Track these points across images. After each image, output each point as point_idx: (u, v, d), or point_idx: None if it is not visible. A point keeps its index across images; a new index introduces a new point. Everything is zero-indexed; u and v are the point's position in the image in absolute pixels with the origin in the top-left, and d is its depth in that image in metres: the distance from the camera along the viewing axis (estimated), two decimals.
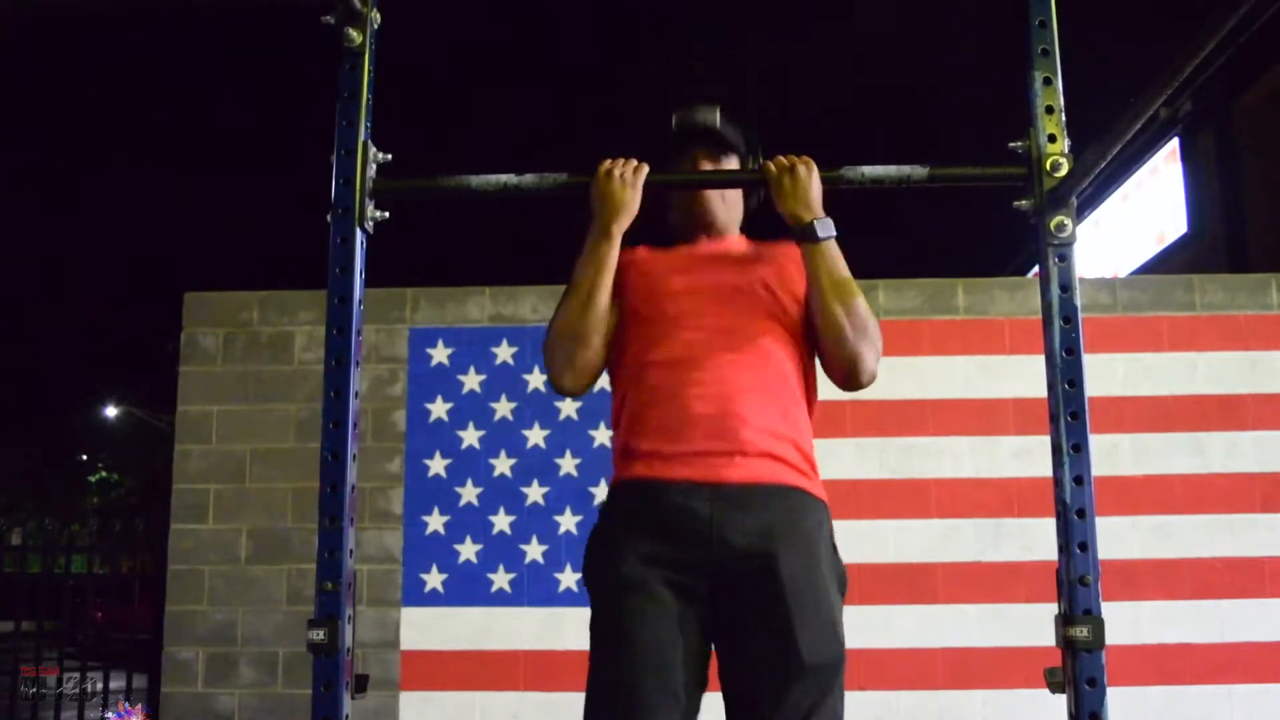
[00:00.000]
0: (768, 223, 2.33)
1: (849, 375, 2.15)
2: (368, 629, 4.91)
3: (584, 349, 2.11)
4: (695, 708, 1.99)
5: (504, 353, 5.16)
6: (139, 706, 5.08)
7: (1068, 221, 2.12)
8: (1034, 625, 4.65)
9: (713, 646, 2.04)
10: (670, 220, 2.33)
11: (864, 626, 4.88)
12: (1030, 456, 4.94)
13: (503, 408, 5.12)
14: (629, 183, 2.16)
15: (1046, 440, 2.12)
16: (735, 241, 2.30)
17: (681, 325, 2.11)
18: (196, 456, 5.15)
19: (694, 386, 2.05)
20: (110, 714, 4.75)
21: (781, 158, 2.19)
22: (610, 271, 2.14)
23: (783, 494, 2.04)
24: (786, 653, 1.94)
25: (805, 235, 2.13)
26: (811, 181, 2.15)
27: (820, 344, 2.16)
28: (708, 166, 2.26)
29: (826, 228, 2.13)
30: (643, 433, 2.07)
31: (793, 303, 2.17)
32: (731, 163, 2.29)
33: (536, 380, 5.12)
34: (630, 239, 2.21)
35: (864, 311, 2.13)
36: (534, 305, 5.20)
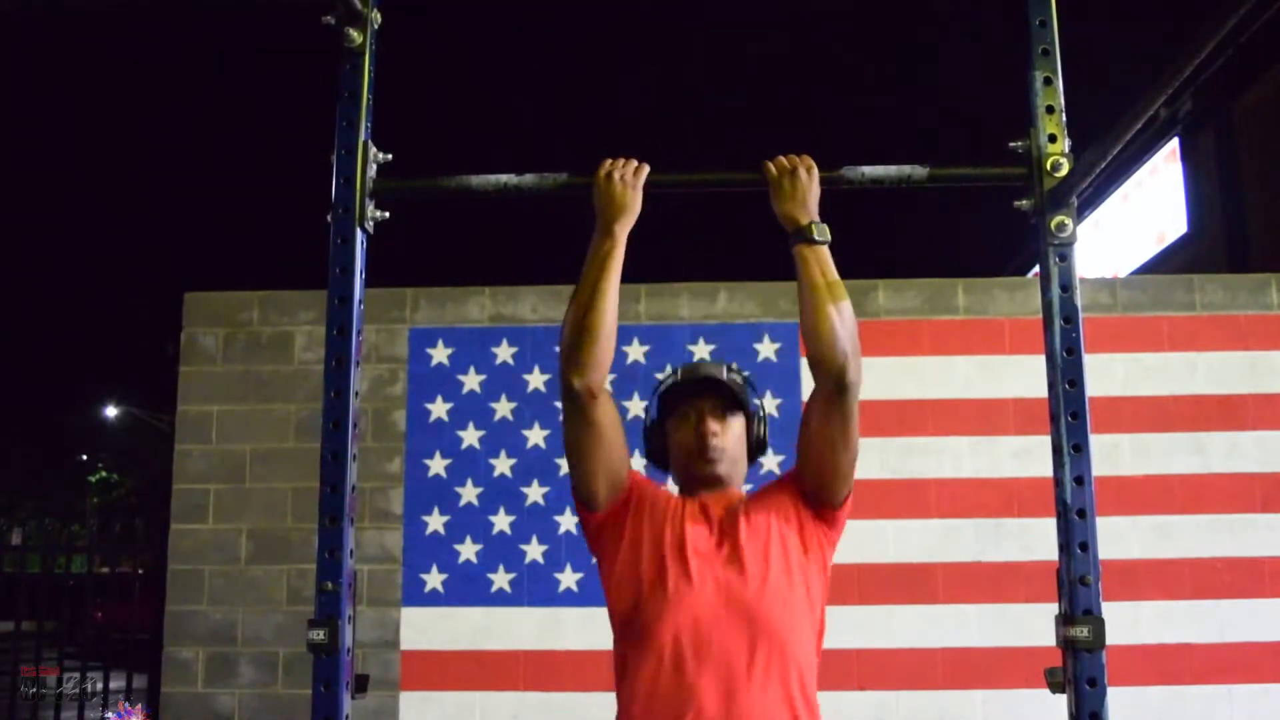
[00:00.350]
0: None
1: (837, 377, 2.10)
2: (368, 629, 4.92)
3: (593, 345, 2.08)
4: None
5: (504, 353, 5.16)
6: (139, 706, 5.08)
7: (1068, 221, 2.12)
8: (1034, 625, 4.65)
9: None
10: (673, 475, 2.31)
11: (864, 626, 4.88)
12: (1030, 456, 4.94)
13: (503, 408, 5.12)
14: (629, 183, 2.15)
15: (1047, 440, 2.12)
16: (736, 496, 2.23)
17: (687, 596, 2.06)
18: (196, 456, 5.15)
19: (705, 664, 2.01)
20: (110, 714, 4.75)
21: (783, 159, 2.18)
22: (615, 269, 2.12)
23: None
24: None
25: (802, 238, 2.12)
26: (811, 185, 2.15)
27: (812, 348, 2.12)
28: (715, 423, 2.21)
29: (823, 232, 2.12)
30: (650, 712, 2.03)
31: (801, 543, 2.15)
32: (738, 421, 2.25)
33: (536, 380, 5.12)
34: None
35: (852, 316, 2.11)
36: (534, 305, 5.20)
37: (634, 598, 2.11)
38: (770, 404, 5.05)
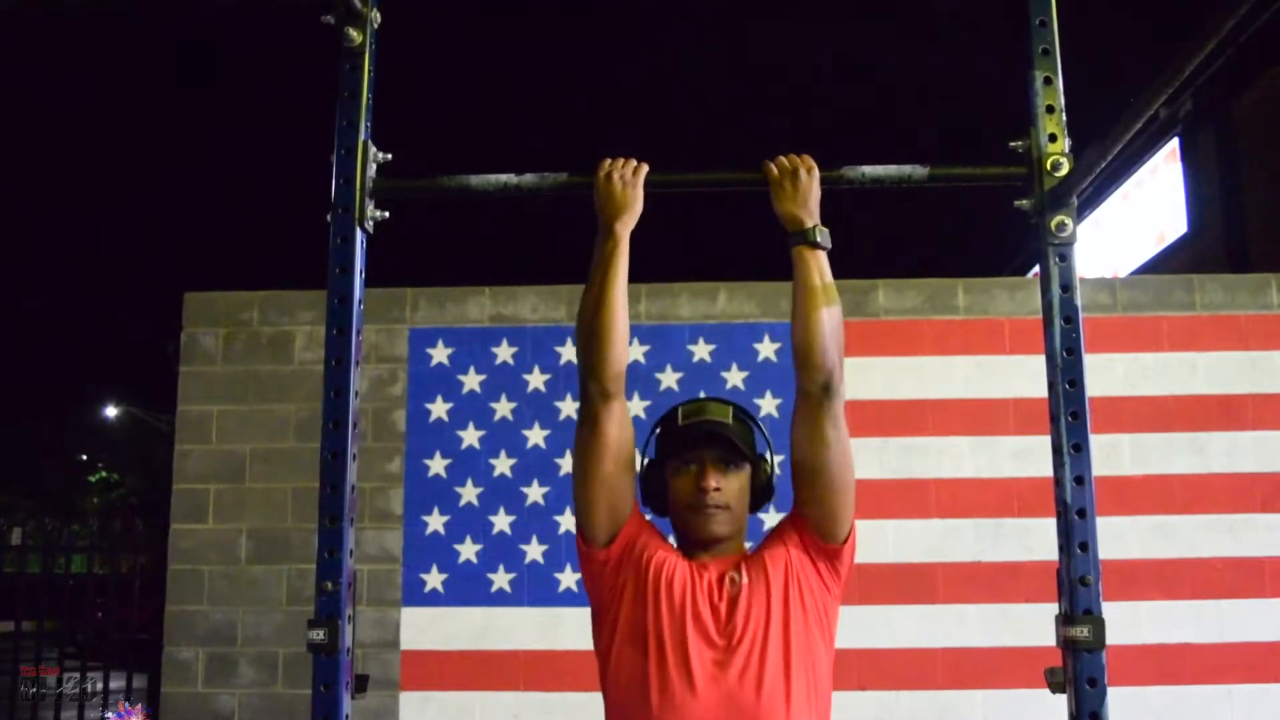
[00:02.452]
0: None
1: (826, 380, 2.07)
2: (368, 629, 4.91)
3: (602, 345, 2.08)
4: None
5: (504, 353, 5.16)
6: (139, 706, 5.07)
7: (1068, 221, 2.12)
8: (1034, 625, 4.65)
9: None
10: (672, 524, 2.22)
11: (864, 626, 4.88)
12: (1030, 456, 4.94)
13: (503, 408, 5.12)
14: (629, 182, 2.15)
15: (1047, 440, 2.12)
16: (736, 557, 2.15)
17: (688, 704, 2.00)
18: (196, 456, 5.15)
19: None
20: (110, 714, 4.75)
21: (784, 159, 2.18)
22: (620, 268, 2.11)
23: None
24: None
25: (804, 239, 2.11)
26: (812, 185, 2.14)
27: (802, 349, 2.09)
28: (716, 478, 2.12)
29: (825, 237, 2.11)
30: None
31: (800, 613, 2.07)
32: (742, 474, 2.16)
33: (536, 380, 5.12)
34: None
35: (840, 319, 2.10)
36: (534, 305, 5.20)
37: (631, 685, 2.06)
38: (770, 404, 5.05)
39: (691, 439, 2.16)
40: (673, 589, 2.07)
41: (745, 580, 2.08)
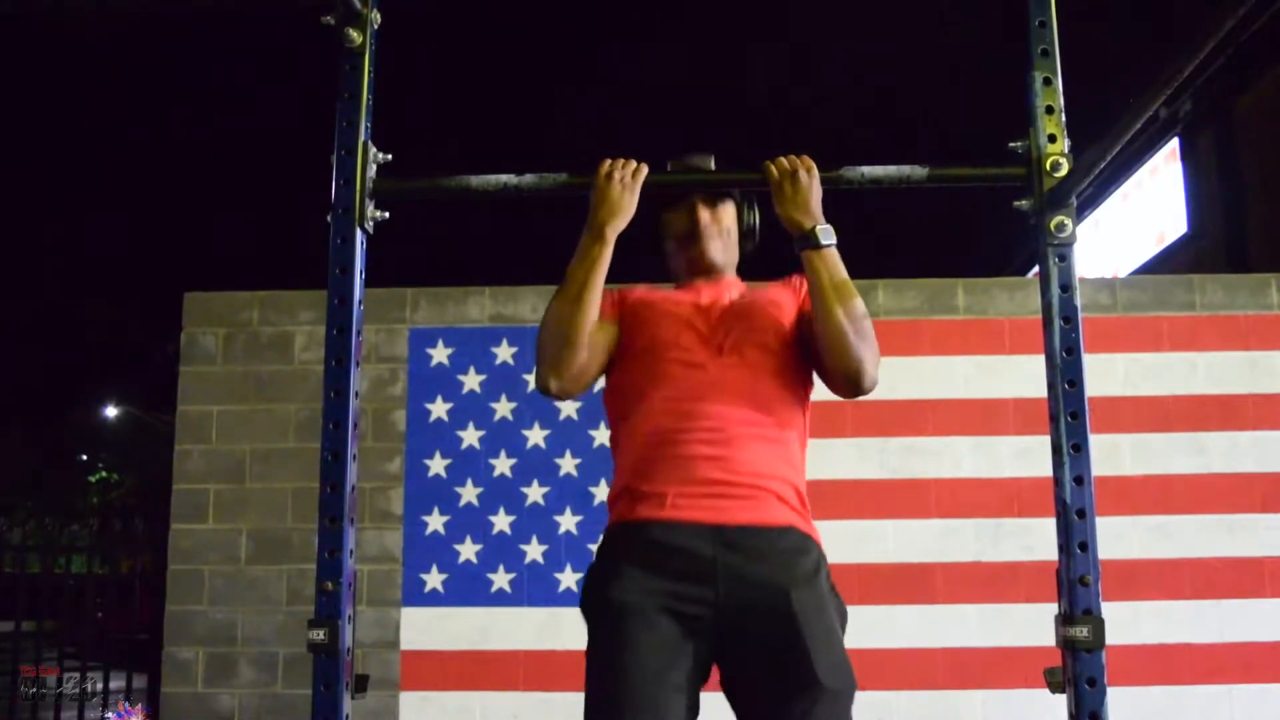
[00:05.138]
0: (769, 224, 2.32)
1: (852, 382, 2.11)
2: (368, 629, 4.92)
3: (571, 352, 2.08)
4: None
5: (504, 353, 5.16)
6: (139, 706, 5.08)
7: (1068, 221, 2.13)
8: (1034, 625, 4.65)
9: (712, 674, 2.04)
10: (668, 265, 2.36)
11: (864, 626, 4.87)
12: (1030, 456, 4.94)
13: (503, 408, 5.12)
14: (628, 186, 2.14)
15: (1046, 440, 2.12)
16: (731, 284, 2.29)
17: (681, 367, 2.12)
18: (196, 456, 5.15)
19: (696, 431, 2.06)
20: (110, 714, 4.75)
21: (783, 160, 2.17)
22: (601, 273, 2.11)
23: (784, 535, 2.04)
24: (806, 678, 1.93)
25: (807, 242, 2.10)
26: (813, 187, 2.13)
27: (822, 353, 2.11)
28: (705, 213, 2.26)
29: (828, 234, 2.10)
30: (644, 476, 2.07)
31: (790, 342, 2.19)
32: (729, 210, 2.30)
33: None
34: (627, 245, 2.20)
35: (863, 313, 2.10)
36: (534, 305, 5.20)
37: (628, 375, 2.19)
38: None
39: (682, 184, 2.27)
40: (667, 311, 2.20)
41: (742, 296, 2.26)
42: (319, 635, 2.06)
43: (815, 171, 2.14)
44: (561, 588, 4.95)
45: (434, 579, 4.99)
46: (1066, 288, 2.12)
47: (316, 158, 2.39)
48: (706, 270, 2.27)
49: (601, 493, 4.93)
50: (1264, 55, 9.10)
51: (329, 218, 2.23)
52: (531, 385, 5.12)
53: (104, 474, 30.29)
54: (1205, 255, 10.08)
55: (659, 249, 2.36)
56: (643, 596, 1.98)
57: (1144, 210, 11.28)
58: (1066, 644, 2.00)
